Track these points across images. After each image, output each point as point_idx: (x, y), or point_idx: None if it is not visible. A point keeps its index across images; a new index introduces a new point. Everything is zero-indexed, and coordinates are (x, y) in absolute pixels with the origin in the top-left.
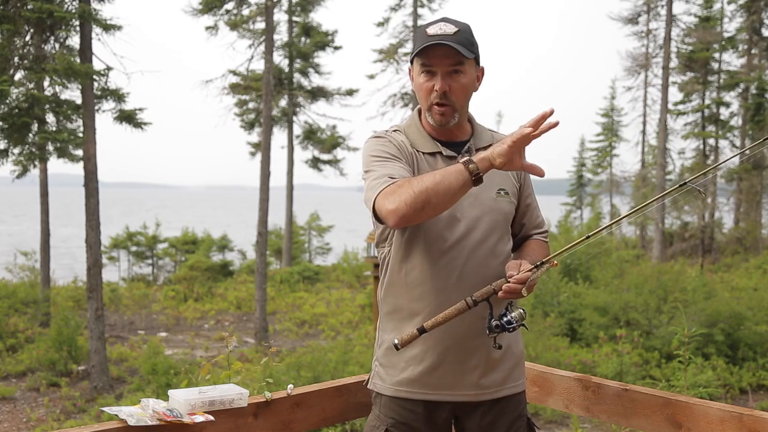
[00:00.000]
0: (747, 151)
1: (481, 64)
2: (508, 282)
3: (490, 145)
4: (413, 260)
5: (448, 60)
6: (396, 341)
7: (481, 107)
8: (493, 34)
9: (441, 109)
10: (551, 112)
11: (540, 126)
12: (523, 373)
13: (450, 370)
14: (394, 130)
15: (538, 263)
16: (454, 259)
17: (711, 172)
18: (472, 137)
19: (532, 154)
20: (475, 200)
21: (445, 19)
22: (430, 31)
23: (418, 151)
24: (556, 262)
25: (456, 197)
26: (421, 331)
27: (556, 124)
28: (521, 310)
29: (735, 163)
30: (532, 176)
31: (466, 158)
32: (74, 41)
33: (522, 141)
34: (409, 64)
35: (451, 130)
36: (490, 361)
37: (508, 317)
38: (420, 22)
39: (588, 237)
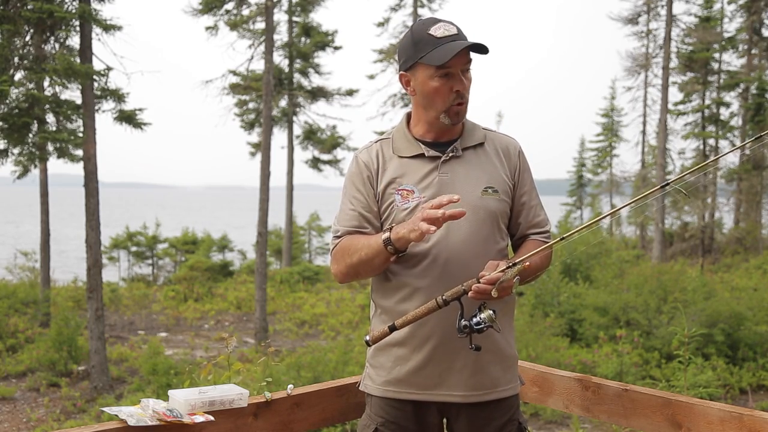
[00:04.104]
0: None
1: None
2: (479, 282)
3: (481, 144)
4: (397, 262)
5: (464, 59)
6: (367, 337)
7: (483, 108)
8: (494, 35)
9: (459, 108)
10: (461, 213)
11: (443, 216)
12: (516, 376)
13: (437, 370)
14: (380, 140)
15: (511, 263)
16: (436, 260)
17: (692, 174)
18: (461, 136)
19: (535, 154)
20: (459, 199)
21: (439, 20)
22: (438, 33)
23: (401, 156)
24: (528, 263)
25: (382, 268)
26: (392, 328)
27: (459, 215)
28: (491, 312)
29: (735, 164)
30: (533, 174)
31: (386, 236)
32: (74, 41)
33: (435, 223)
34: (402, 71)
35: (441, 129)
36: (478, 362)
37: (478, 318)
38: None
39: (563, 238)
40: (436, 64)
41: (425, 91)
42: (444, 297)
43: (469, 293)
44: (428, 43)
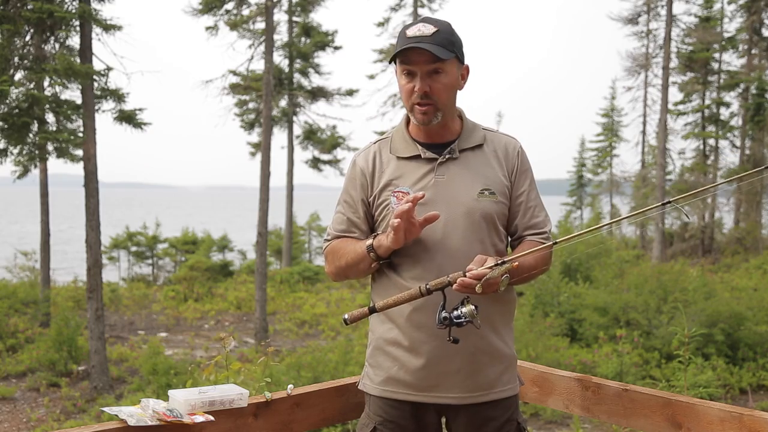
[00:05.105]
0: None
1: (465, 62)
2: (465, 276)
3: (479, 146)
4: (395, 264)
5: (423, 59)
6: (346, 316)
7: (483, 108)
8: (494, 34)
9: (422, 108)
10: (422, 196)
11: (414, 203)
12: (515, 377)
13: (434, 371)
14: (378, 141)
15: (499, 261)
16: (432, 261)
17: (698, 195)
18: (459, 138)
19: (535, 154)
20: (455, 202)
21: (425, 20)
22: (409, 32)
23: (399, 157)
24: (517, 263)
25: (368, 272)
26: (372, 309)
27: (420, 197)
28: (473, 307)
29: (735, 164)
30: (534, 174)
31: (369, 243)
32: (74, 41)
33: (403, 216)
34: (394, 64)
35: (436, 131)
36: (476, 363)
37: (459, 311)
38: None
39: (556, 243)
40: (392, 59)
41: (399, 85)
42: (428, 285)
43: (454, 286)
44: (400, 40)
